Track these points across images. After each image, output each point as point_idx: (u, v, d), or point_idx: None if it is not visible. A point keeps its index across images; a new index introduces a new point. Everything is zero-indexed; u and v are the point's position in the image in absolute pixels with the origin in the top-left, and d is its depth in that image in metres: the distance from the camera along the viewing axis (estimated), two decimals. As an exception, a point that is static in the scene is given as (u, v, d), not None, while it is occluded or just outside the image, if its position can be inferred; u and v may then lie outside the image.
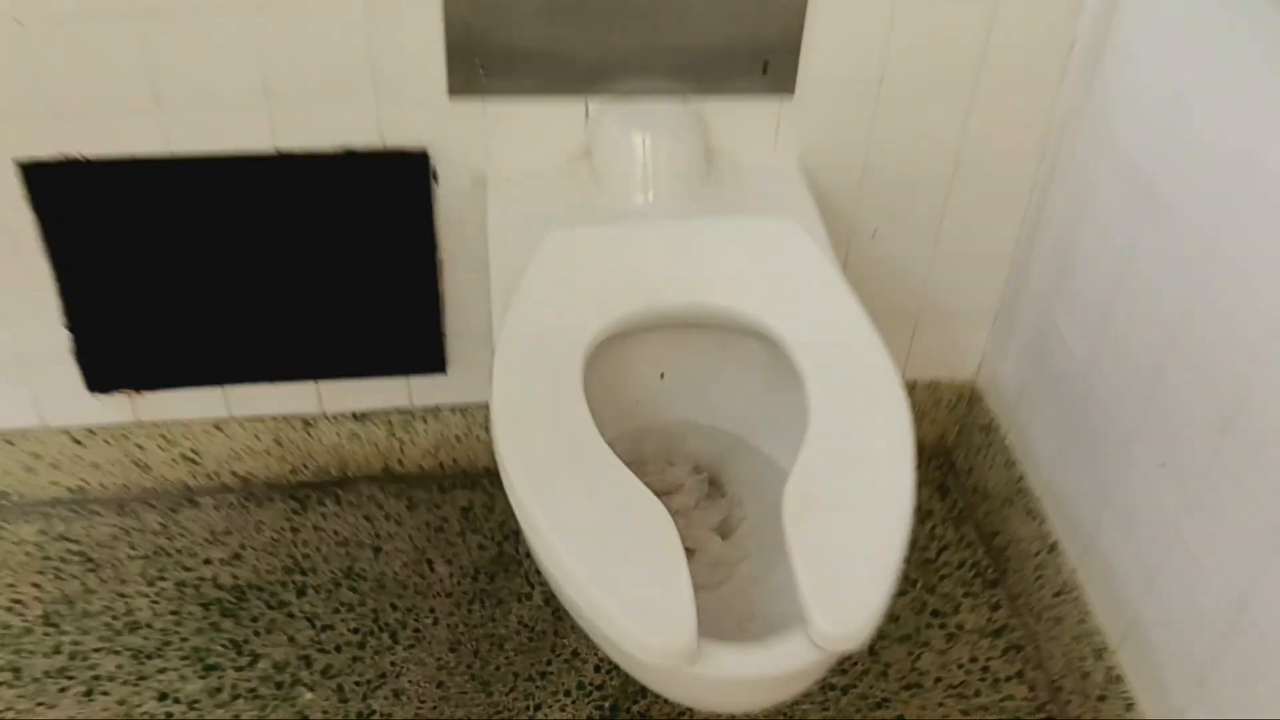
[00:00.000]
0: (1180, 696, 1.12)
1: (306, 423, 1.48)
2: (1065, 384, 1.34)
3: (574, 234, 1.13)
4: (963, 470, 1.60)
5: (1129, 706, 1.21)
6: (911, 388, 1.58)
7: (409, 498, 1.53)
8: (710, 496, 1.17)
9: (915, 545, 1.50)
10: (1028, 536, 1.43)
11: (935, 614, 1.42)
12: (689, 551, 1.13)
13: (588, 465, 0.94)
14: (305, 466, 1.52)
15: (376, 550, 1.46)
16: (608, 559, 0.87)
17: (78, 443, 1.45)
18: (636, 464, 1.21)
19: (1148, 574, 1.17)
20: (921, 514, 1.55)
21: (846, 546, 0.90)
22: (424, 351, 1.43)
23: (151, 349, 1.38)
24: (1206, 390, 1.06)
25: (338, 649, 1.36)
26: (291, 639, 1.36)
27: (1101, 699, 1.27)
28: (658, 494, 1.18)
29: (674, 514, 1.15)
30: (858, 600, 0.86)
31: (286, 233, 1.31)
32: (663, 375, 1.20)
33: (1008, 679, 1.36)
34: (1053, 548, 1.37)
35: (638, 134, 1.21)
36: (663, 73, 1.23)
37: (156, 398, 1.43)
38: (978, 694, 1.34)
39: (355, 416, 1.49)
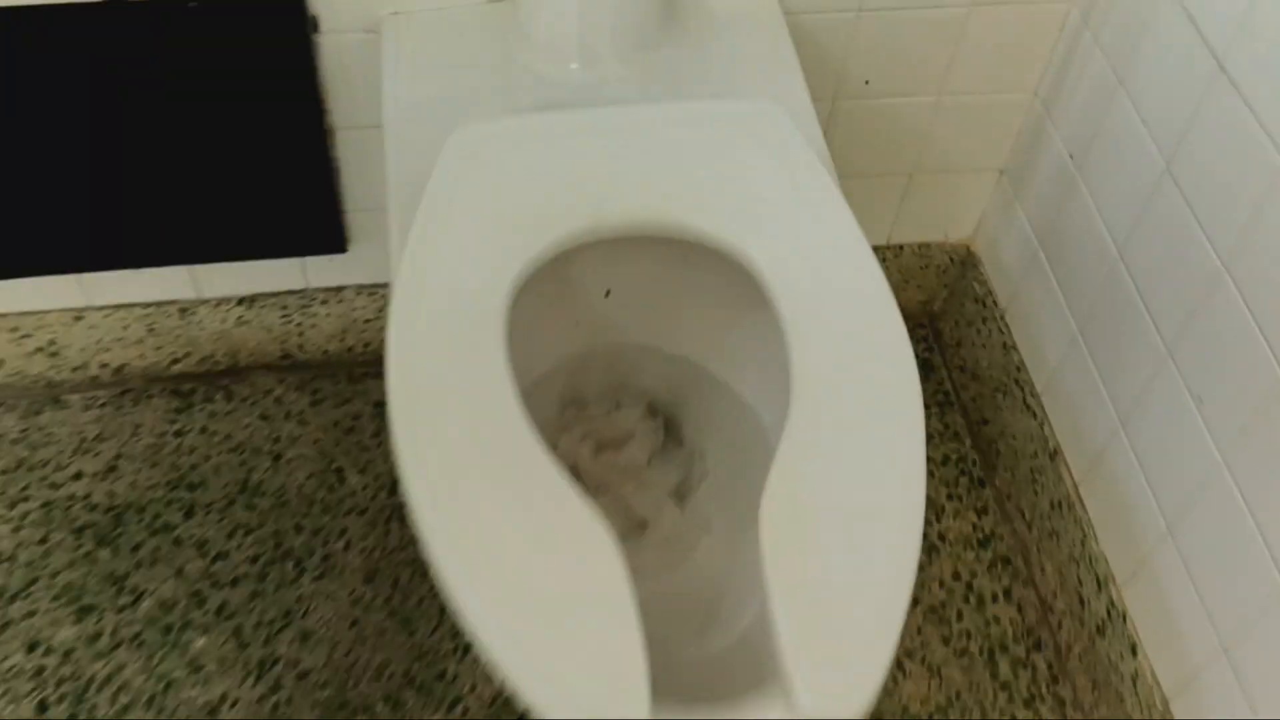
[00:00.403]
0: (1200, 656, 0.98)
1: (183, 310, 1.25)
2: (1087, 266, 1.13)
3: (488, 129, 0.88)
4: (950, 344, 1.41)
5: (1133, 649, 1.07)
6: (898, 252, 1.36)
7: (313, 390, 1.31)
8: (665, 447, 0.97)
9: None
10: (1023, 434, 1.26)
11: (915, 520, 1.27)
12: (640, 525, 0.94)
13: (513, 476, 0.72)
14: (188, 355, 1.30)
15: (276, 458, 1.26)
16: (538, 629, 0.68)
17: (-94, 339, 1.21)
18: (577, 404, 1.00)
19: (1171, 514, 1.01)
20: (902, 395, 1.37)
21: (841, 585, 0.71)
22: (318, 229, 1.18)
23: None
24: (1274, 314, 0.86)
25: (234, 583, 1.18)
26: (180, 571, 1.18)
27: (1100, 632, 1.13)
28: (603, 446, 0.98)
29: (622, 473, 0.95)
30: (855, 662, 0.68)
31: (142, 97, 1.04)
32: (608, 293, 0.97)
33: (994, 598, 1.22)
34: (1054, 454, 1.20)
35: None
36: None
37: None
38: (960, 617, 1.20)
39: (241, 301, 1.25)
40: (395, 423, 0.74)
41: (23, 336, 1.23)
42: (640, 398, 0.99)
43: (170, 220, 1.14)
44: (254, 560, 1.19)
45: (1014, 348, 1.28)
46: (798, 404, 0.76)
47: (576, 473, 0.94)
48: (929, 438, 1.33)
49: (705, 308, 0.97)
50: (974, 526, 1.27)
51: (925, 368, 1.39)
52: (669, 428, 0.99)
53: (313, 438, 1.27)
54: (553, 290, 0.94)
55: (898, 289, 1.40)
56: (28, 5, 0.95)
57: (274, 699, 1.12)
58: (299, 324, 1.29)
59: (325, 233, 1.18)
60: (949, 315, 1.42)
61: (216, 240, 1.18)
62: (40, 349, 1.25)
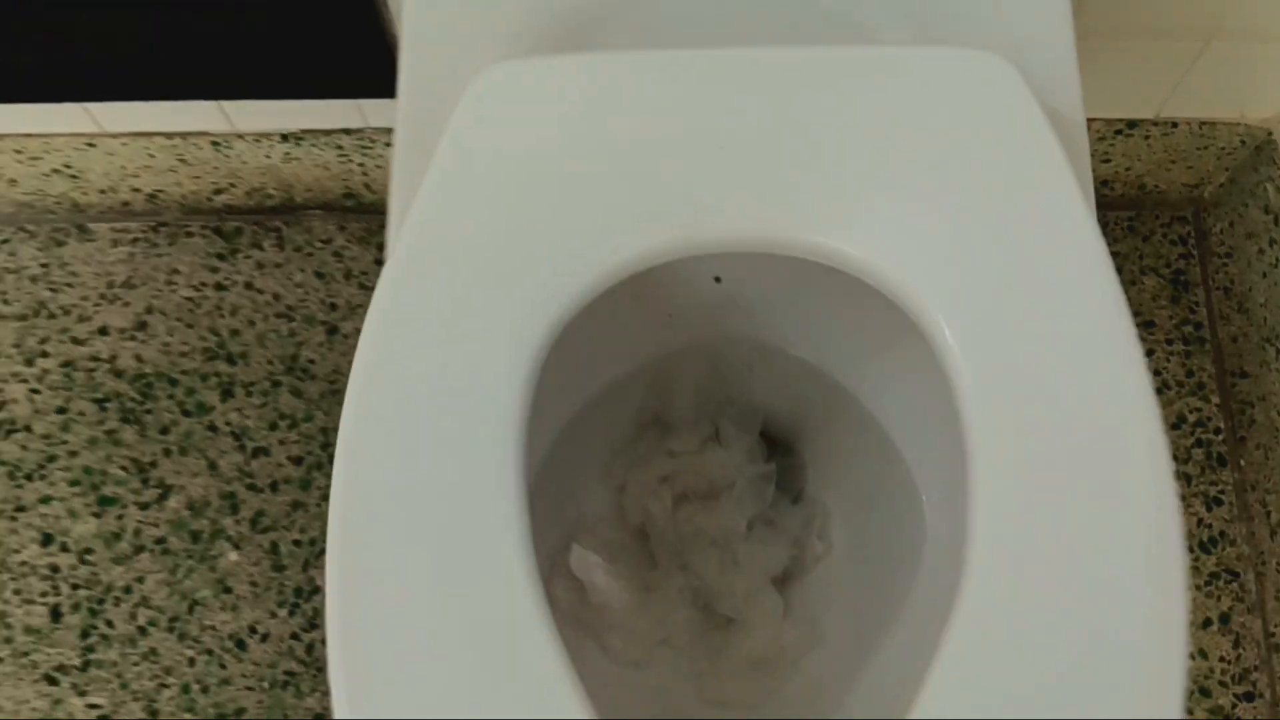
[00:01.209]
0: None
1: (215, 143, 0.99)
2: None
3: (536, 70, 0.56)
4: (1217, 251, 1.03)
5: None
6: (1169, 129, 0.97)
7: (379, 245, 1.06)
8: (776, 504, 0.70)
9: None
10: (1296, 415, 0.92)
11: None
12: (723, 623, 0.69)
13: (493, 689, 0.49)
14: (232, 186, 1.05)
15: (331, 331, 1.04)
16: None
17: (-102, 153, 1.00)
18: (660, 426, 0.73)
19: None
20: (1141, 315, 1.02)
21: None
22: (365, 66, 0.88)
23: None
24: None
25: (273, 487, 1.00)
26: (213, 466, 1.00)
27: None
28: (687, 496, 0.72)
29: (709, 541, 0.70)
30: None
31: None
32: (718, 279, 0.67)
33: (1206, 623, 0.94)
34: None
35: None
36: None
37: (-13, 109, 0.95)
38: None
39: (286, 137, 0.98)
40: (331, 568, 0.51)
41: (32, 158, 1.01)
42: (748, 422, 0.71)
43: (189, 47, 0.87)
44: (297, 461, 1.00)
45: (1310, 296, 0.92)
46: (975, 574, 0.49)
47: (644, 534, 0.69)
48: (1164, 385, 1.00)
49: (851, 312, 0.66)
50: (1199, 521, 0.97)
51: (1177, 280, 1.04)
52: (784, 470, 0.71)
53: (375, 307, 1.04)
54: (643, 275, 0.65)
55: (1158, 168, 1.02)
56: None
57: (309, 637, 0.96)
58: (361, 164, 1.02)
59: (374, 71, 0.89)
60: (1223, 212, 1.04)
61: (244, 74, 0.90)
62: (57, 170, 1.02)
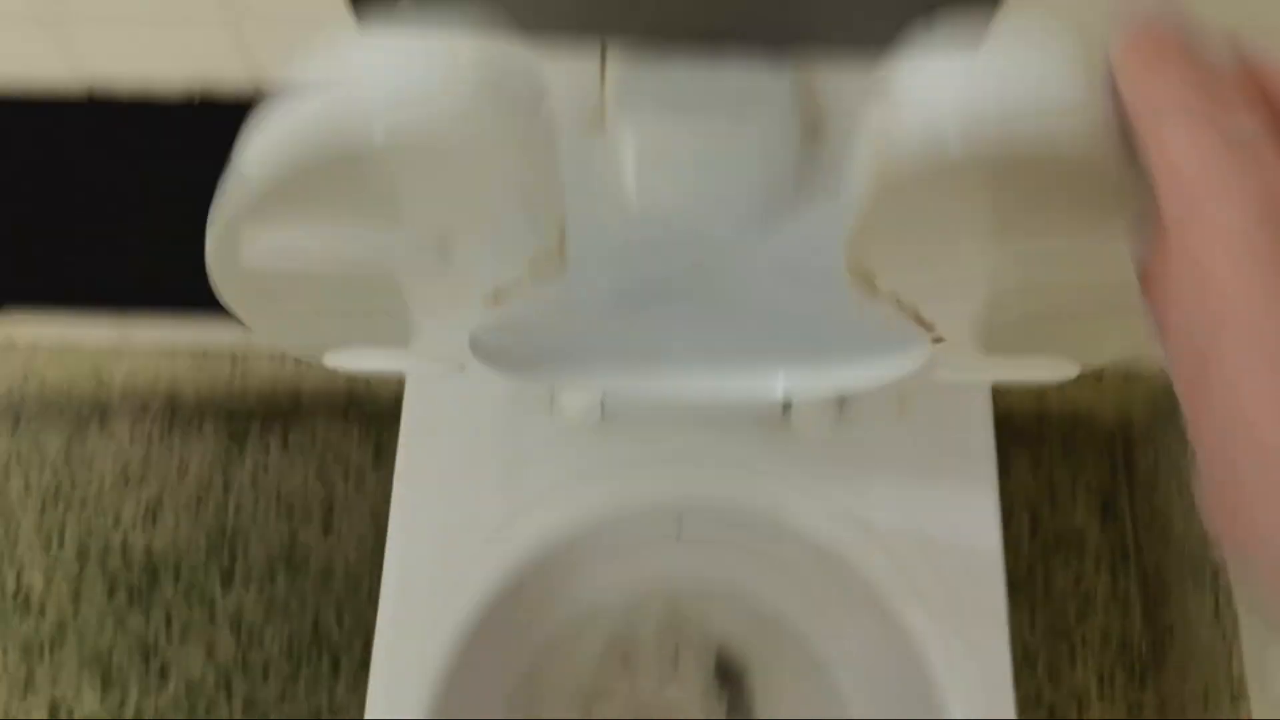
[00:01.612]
0: None
1: (234, 357, 1.09)
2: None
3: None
4: (1143, 482, 1.13)
5: None
6: (1097, 376, 1.08)
7: (377, 445, 1.15)
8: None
9: (1050, 595, 1.09)
10: (1206, 642, 1.01)
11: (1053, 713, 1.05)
12: None
13: None
14: (245, 388, 1.15)
15: (327, 528, 1.13)
16: None
17: (-58, 352, 1.10)
18: (624, 658, 0.81)
19: None
20: (1073, 538, 1.12)
21: None
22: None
23: (3, 276, 0.98)
24: None
25: (264, 673, 1.07)
26: (210, 650, 1.08)
27: None
28: (641, 728, 0.81)
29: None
30: None
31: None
32: (679, 526, 0.77)
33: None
34: (1236, 691, 0.96)
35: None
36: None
37: (28, 329, 1.05)
38: None
39: (298, 353, 1.08)
40: None
41: (64, 364, 1.11)
42: (707, 653, 0.80)
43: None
44: (289, 650, 1.08)
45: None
46: None
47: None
48: (1091, 603, 1.09)
49: (811, 569, 0.75)
50: (1121, 740, 1.05)
51: (1106, 509, 1.14)
52: (735, 697, 0.80)
53: (369, 505, 1.13)
54: (600, 525, 0.74)
55: (1090, 403, 1.13)
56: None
57: (290, 823, 1.03)
58: (366, 377, 1.12)
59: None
60: (1148, 446, 1.14)
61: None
62: (85, 370, 1.12)
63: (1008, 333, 0.54)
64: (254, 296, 0.51)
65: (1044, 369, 0.59)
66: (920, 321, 0.50)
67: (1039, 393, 1.11)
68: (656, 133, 0.66)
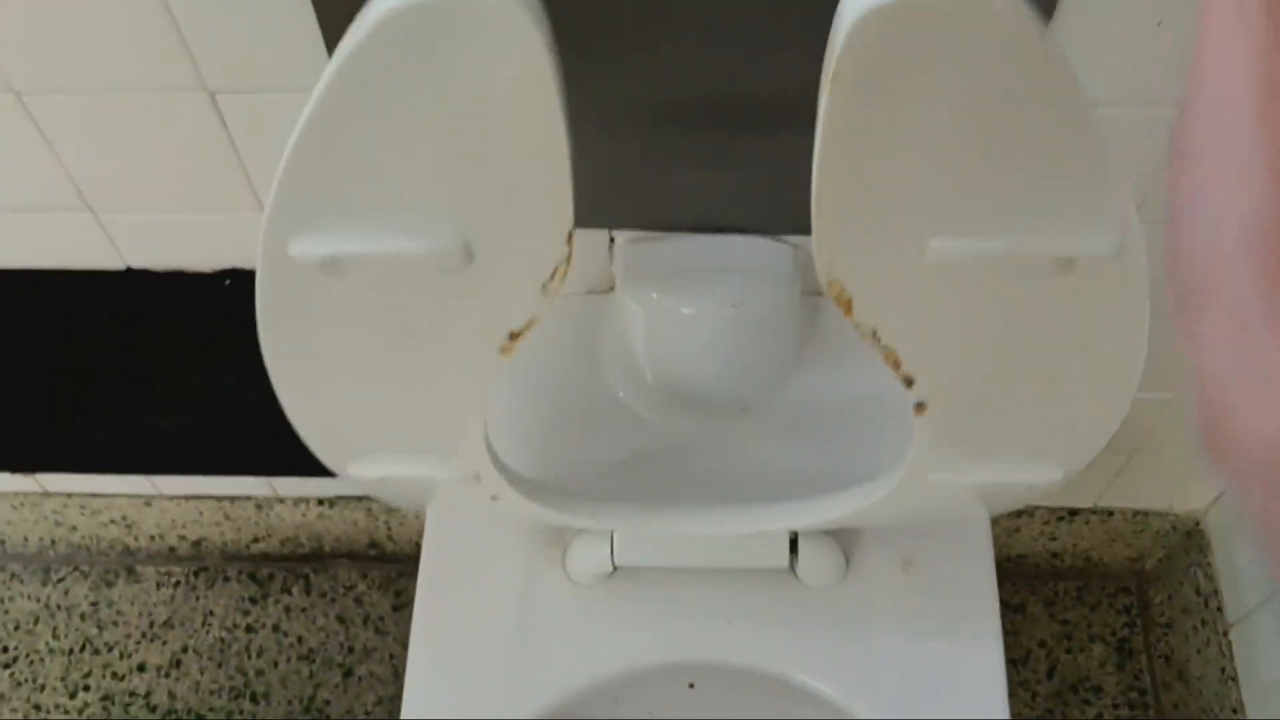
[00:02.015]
0: None
1: (259, 505, 1.12)
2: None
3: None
4: (1158, 621, 1.13)
5: None
6: (1105, 517, 1.09)
7: (397, 592, 1.17)
8: None
9: (1069, 731, 1.09)
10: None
11: None
12: None
13: None
14: (268, 536, 1.17)
15: (347, 674, 1.14)
16: None
17: (-22, 505, 1.13)
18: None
19: None
20: (1090, 680, 1.12)
21: None
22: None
23: (42, 439, 1.02)
24: None
25: (284, 826, 1.08)
26: (230, 802, 1.09)
27: None
28: None
29: None
30: None
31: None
32: (691, 685, 0.78)
33: None
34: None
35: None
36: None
37: (62, 475, 1.08)
38: None
39: (321, 501, 1.11)
40: None
41: (93, 512, 1.14)
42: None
43: (243, 435, 1.01)
44: (308, 801, 1.08)
45: (1234, 680, 1.01)
46: None
47: None
48: (1111, 749, 1.08)
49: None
50: None
51: (1123, 650, 1.13)
52: None
53: (388, 652, 1.14)
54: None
55: (1101, 545, 1.13)
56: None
57: None
58: (386, 521, 1.14)
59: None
60: (1163, 586, 1.14)
61: (290, 455, 1.03)
62: (114, 521, 1.15)
63: (988, 410, 0.56)
64: (296, 360, 0.54)
65: (1028, 469, 0.60)
66: (902, 374, 0.52)
67: (1052, 533, 1.12)
68: (663, 306, 0.69)
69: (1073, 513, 1.09)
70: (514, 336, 0.52)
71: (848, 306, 0.48)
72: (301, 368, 0.55)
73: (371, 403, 0.58)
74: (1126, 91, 0.61)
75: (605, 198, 0.69)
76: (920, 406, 0.55)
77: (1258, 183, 0.26)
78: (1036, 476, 0.60)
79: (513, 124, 0.42)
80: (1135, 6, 0.57)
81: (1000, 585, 1.15)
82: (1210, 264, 0.28)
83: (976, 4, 0.37)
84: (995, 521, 1.10)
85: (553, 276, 0.48)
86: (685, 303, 0.71)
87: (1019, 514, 1.10)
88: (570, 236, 0.47)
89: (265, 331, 0.52)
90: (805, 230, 0.48)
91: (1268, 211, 0.26)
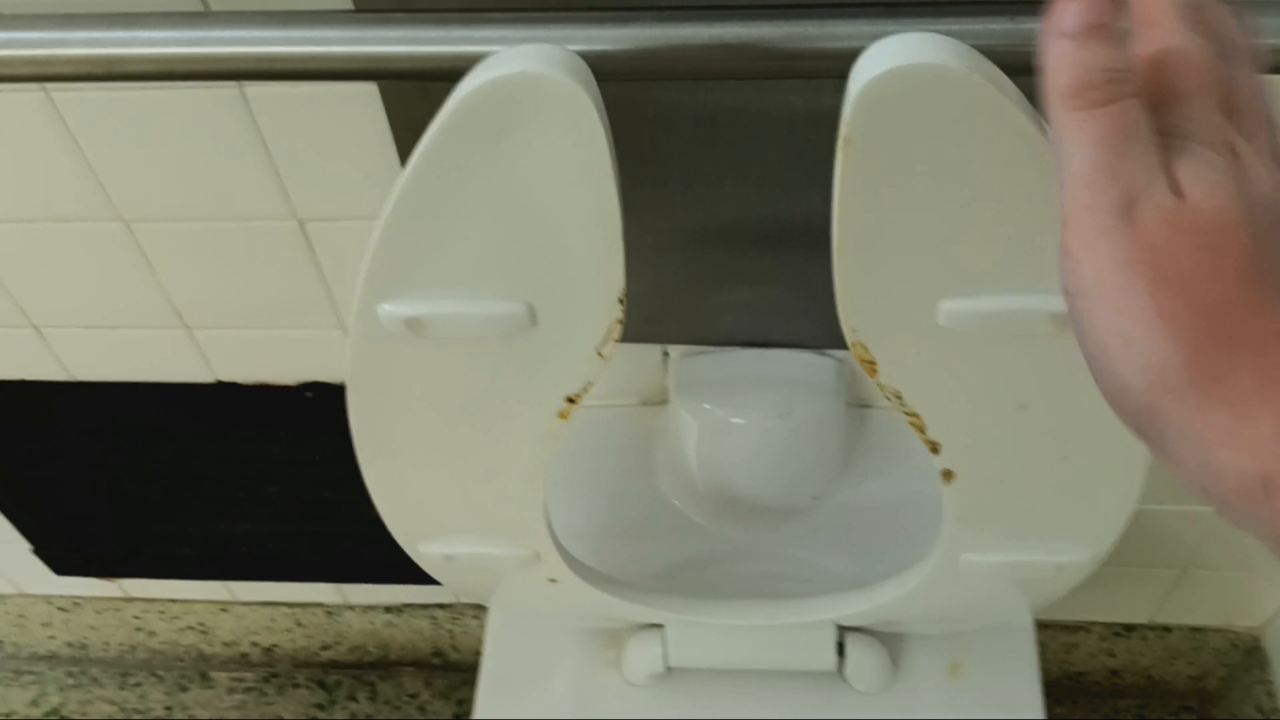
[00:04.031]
0: None
1: (329, 612, 1.16)
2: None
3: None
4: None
5: None
6: (1163, 633, 1.09)
7: (459, 700, 1.20)
8: None
9: None
10: None
11: None
12: None
13: None
14: (337, 643, 1.21)
15: (410, 782, 1.16)
16: None
17: (64, 610, 1.19)
18: None
19: None
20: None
21: None
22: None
23: (128, 544, 1.07)
24: None
25: None
26: None
27: None
28: None
29: None
30: None
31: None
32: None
33: None
34: None
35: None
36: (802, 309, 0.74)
37: (143, 581, 1.14)
38: None
39: (389, 609, 1.15)
40: None
41: (172, 617, 1.18)
42: None
43: (317, 541, 1.05)
44: None
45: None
46: None
47: None
48: None
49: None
50: None
51: (1186, 768, 1.12)
52: None
53: (451, 761, 1.16)
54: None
55: (1161, 663, 1.13)
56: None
57: None
58: (450, 630, 1.17)
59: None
60: (1226, 705, 1.13)
61: (359, 563, 1.08)
62: (191, 627, 1.20)
63: (1012, 478, 0.58)
64: (377, 425, 0.58)
65: (1056, 549, 0.62)
66: (928, 440, 0.55)
67: (1110, 650, 1.11)
68: (714, 416, 0.73)
69: (1129, 628, 1.09)
70: (571, 400, 0.56)
71: (871, 369, 0.51)
72: (382, 433, 0.59)
73: (442, 474, 0.62)
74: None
75: (658, 315, 0.74)
76: (948, 474, 0.57)
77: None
78: (1065, 556, 0.62)
79: (572, 198, 0.47)
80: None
81: (1060, 703, 1.15)
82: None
83: (975, 77, 0.40)
84: (1052, 637, 1.11)
85: (606, 339, 0.52)
86: (735, 413, 0.75)
87: (1075, 630, 1.10)
88: (622, 299, 0.51)
89: (353, 394, 0.57)
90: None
91: None
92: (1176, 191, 0.31)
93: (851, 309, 0.49)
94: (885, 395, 0.53)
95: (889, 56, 0.40)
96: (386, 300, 0.51)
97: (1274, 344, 0.29)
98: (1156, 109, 0.33)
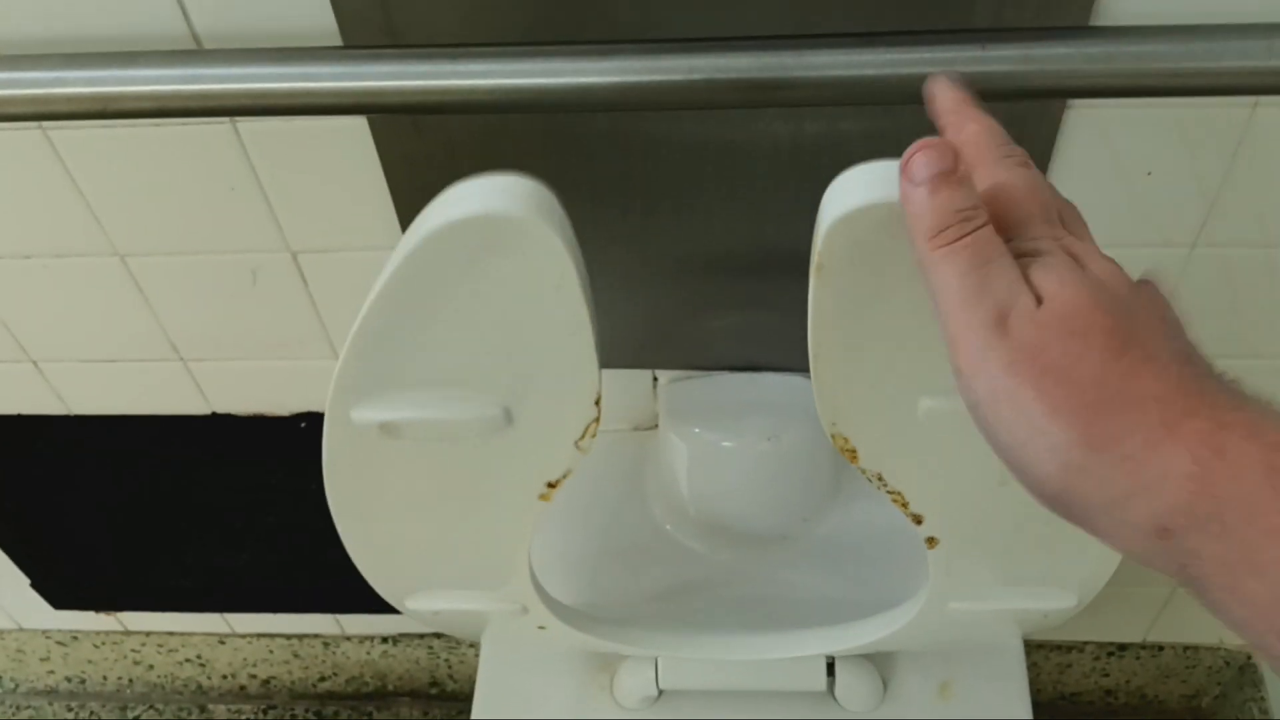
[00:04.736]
0: None
1: (326, 643, 1.16)
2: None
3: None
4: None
5: None
6: (1156, 652, 1.10)
7: (457, 728, 1.21)
8: None
9: None
10: None
11: None
12: None
13: None
14: (335, 675, 1.22)
15: (408, 814, 1.16)
16: None
17: (62, 644, 1.19)
18: None
19: None
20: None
21: None
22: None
23: (125, 577, 1.08)
24: None
25: None
26: None
27: None
28: None
29: None
30: None
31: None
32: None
33: None
34: None
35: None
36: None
37: (141, 614, 1.14)
38: None
39: (385, 639, 1.16)
40: None
41: (169, 650, 1.19)
42: None
43: (313, 572, 1.06)
44: None
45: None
46: None
47: None
48: None
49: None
50: None
51: (1183, 787, 1.12)
52: None
53: (449, 793, 1.16)
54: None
55: (1155, 682, 1.13)
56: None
57: None
58: (447, 660, 1.18)
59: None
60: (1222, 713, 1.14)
61: (357, 592, 1.08)
62: (189, 660, 1.20)
63: (994, 543, 0.59)
64: (356, 509, 0.59)
65: (1042, 598, 0.63)
66: (910, 514, 0.56)
67: (1103, 669, 1.12)
68: (704, 440, 0.74)
69: (1122, 648, 1.09)
70: (551, 485, 0.57)
71: (852, 456, 0.53)
72: (361, 516, 0.61)
73: (425, 546, 0.63)
74: (1119, 234, 0.66)
75: (648, 341, 0.75)
76: (931, 540, 0.59)
77: None
78: (1052, 603, 0.63)
79: (544, 315, 0.48)
80: (1126, 159, 0.63)
81: (1055, 723, 1.16)
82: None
83: None
84: (1045, 657, 1.12)
85: (584, 434, 0.54)
86: (725, 437, 0.76)
87: (1068, 649, 1.11)
88: (598, 400, 0.52)
89: (330, 484, 0.58)
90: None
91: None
92: (1037, 297, 0.35)
93: (830, 411, 0.51)
94: (866, 477, 0.54)
95: (856, 191, 0.41)
96: (359, 405, 0.52)
97: (1150, 403, 0.33)
98: (1004, 234, 0.37)
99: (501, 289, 0.47)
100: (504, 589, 0.65)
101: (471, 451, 0.55)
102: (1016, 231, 0.37)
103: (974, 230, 0.35)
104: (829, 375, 0.48)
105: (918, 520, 0.57)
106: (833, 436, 0.51)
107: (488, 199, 0.44)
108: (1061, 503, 0.34)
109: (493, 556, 0.63)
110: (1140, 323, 0.34)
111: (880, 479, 0.54)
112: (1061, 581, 0.63)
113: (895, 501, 0.55)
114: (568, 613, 0.69)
